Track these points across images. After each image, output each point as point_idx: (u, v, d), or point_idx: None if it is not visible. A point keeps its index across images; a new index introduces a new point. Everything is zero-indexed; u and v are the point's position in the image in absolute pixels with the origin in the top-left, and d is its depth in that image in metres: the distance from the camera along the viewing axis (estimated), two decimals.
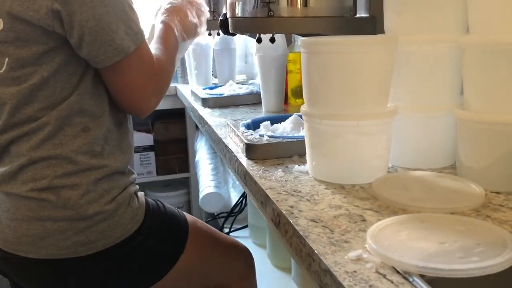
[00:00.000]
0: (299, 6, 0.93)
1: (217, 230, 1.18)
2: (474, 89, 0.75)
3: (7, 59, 0.87)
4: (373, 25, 1.01)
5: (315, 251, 0.58)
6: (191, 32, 1.08)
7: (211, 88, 1.79)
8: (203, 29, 1.12)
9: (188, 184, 2.38)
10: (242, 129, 1.08)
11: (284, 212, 0.70)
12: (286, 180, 0.83)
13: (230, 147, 1.07)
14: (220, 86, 1.81)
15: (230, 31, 1.04)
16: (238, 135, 1.04)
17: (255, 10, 0.95)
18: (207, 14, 1.14)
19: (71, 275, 0.96)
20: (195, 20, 1.08)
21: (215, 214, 1.91)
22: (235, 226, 1.64)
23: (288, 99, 1.54)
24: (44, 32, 0.86)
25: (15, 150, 0.90)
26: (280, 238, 0.72)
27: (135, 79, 0.93)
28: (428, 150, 0.86)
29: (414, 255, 0.53)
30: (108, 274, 0.98)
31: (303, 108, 0.82)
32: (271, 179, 0.85)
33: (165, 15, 1.06)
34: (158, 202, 1.10)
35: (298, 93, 1.56)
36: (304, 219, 0.67)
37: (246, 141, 0.97)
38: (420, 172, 0.82)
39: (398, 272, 0.52)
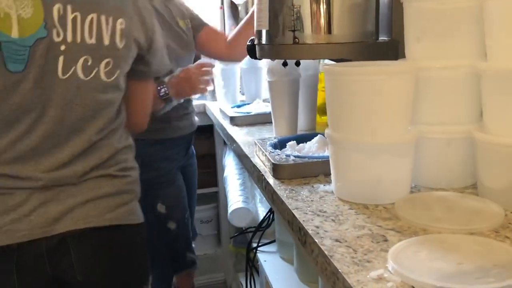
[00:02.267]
0: (323, 33, 0.97)
1: None
2: (492, 113, 0.78)
3: (118, 71, 1.04)
4: (395, 48, 1.05)
5: (339, 270, 0.62)
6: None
7: (238, 106, 1.85)
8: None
9: (217, 198, 2.44)
10: (269, 148, 1.13)
11: (310, 232, 0.74)
12: (312, 200, 0.87)
13: (258, 166, 1.12)
14: (247, 104, 1.87)
15: (258, 57, 1.09)
16: (265, 155, 1.09)
17: (281, 38, 1.00)
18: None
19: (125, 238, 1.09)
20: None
21: (243, 228, 1.96)
22: (263, 240, 1.68)
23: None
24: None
25: (107, 143, 1.05)
26: (306, 256, 0.76)
27: None
28: (449, 170, 0.88)
29: (432, 275, 0.56)
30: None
31: (328, 131, 0.86)
32: (298, 199, 0.89)
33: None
34: None
35: (324, 111, 1.60)
36: (329, 239, 0.71)
37: (273, 161, 1.02)
38: (442, 192, 0.85)
39: None
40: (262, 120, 1.64)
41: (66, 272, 1.02)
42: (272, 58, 1.08)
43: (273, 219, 1.73)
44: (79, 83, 0.98)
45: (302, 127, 1.48)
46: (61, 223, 0.99)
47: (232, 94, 2.01)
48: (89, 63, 0.99)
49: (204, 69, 1.44)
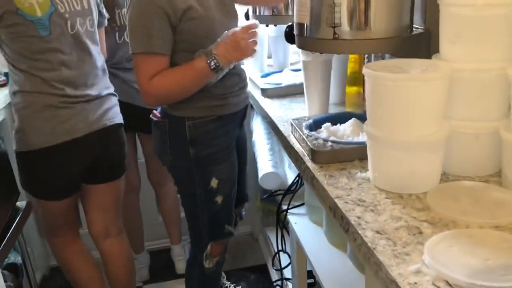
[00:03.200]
0: (361, 29, 1.04)
1: None
2: None
3: (95, 23, 1.70)
4: (428, 39, 1.11)
5: (383, 263, 0.73)
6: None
7: (267, 75, 1.92)
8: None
9: None
10: (306, 132, 1.22)
11: (353, 222, 0.85)
12: (350, 188, 0.98)
13: (295, 147, 1.22)
14: (276, 72, 1.94)
15: (297, 46, 1.17)
16: (303, 138, 1.18)
17: (321, 32, 1.06)
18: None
19: None
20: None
21: (273, 191, 2.08)
22: (293, 203, 1.81)
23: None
24: None
25: (104, 73, 1.73)
26: (349, 242, 0.88)
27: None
28: (476, 161, 0.98)
29: (463, 270, 0.68)
30: None
31: (367, 128, 0.95)
32: (337, 186, 0.99)
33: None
34: None
35: (353, 81, 1.67)
36: (370, 230, 0.82)
37: (312, 147, 1.12)
38: (469, 182, 0.95)
39: (450, 285, 0.67)
40: (292, 91, 1.72)
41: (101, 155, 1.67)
42: (313, 51, 1.15)
43: (302, 184, 1.85)
44: (80, 34, 1.56)
45: (332, 100, 1.56)
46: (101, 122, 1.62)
47: (260, 61, 2.07)
48: (81, 21, 1.57)
49: (251, 31, 1.37)
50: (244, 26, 1.37)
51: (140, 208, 2.31)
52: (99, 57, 1.67)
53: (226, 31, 1.37)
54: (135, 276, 2.01)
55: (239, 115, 1.55)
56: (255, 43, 1.38)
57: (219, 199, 1.55)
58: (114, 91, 1.75)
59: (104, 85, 1.68)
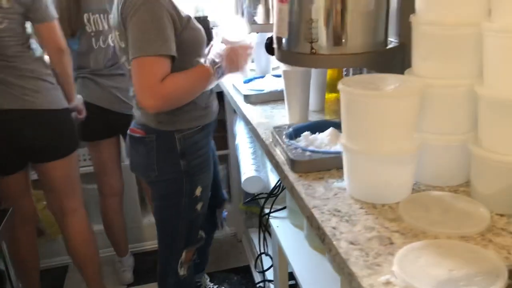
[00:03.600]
0: (337, 45, 1.07)
1: None
2: (486, 130, 0.91)
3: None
4: (402, 52, 1.15)
5: (355, 273, 0.77)
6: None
7: (250, 80, 1.95)
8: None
9: (227, 160, 2.59)
10: (286, 141, 1.25)
11: (328, 233, 0.89)
12: (327, 198, 1.02)
13: (276, 157, 1.25)
14: (259, 78, 1.97)
15: (276, 59, 1.20)
16: (283, 148, 1.22)
17: (299, 47, 1.10)
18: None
19: None
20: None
21: (255, 194, 2.12)
22: (275, 206, 1.84)
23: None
24: None
25: None
26: (326, 251, 0.92)
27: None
28: (446, 171, 1.02)
29: (429, 281, 0.72)
30: None
31: (342, 140, 0.99)
32: (315, 196, 1.03)
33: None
34: None
35: (331, 87, 1.71)
36: (344, 241, 0.86)
37: (291, 157, 1.15)
38: (439, 192, 0.99)
39: None
40: (274, 97, 1.75)
41: None
42: (291, 64, 1.19)
43: (284, 187, 1.89)
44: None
45: (312, 107, 1.60)
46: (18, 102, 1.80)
47: None
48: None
49: (249, 51, 1.50)
50: (242, 46, 1.48)
51: (123, 212, 2.33)
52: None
53: (223, 44, 1.47)
54: (97, 251, 2.12)
55: (215, 122, 1.63)
56: (247, 62, 1.50)
57: (199, 206, 1.61)
58: (94, 98, 1.81)
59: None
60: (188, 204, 1.58)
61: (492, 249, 0.81)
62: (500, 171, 0.89)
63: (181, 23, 1.37)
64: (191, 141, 1.52)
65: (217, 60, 1.42)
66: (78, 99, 1.96)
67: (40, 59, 1.84)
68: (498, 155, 0.88)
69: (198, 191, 1.57)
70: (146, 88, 1.32)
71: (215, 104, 1.63)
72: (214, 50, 1.46)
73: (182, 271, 1.70)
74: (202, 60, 1.43)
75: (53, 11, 1.79)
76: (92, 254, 2.08)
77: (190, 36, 1.41)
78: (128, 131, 1.57)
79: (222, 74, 1.45)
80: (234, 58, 1.44)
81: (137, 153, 1.55)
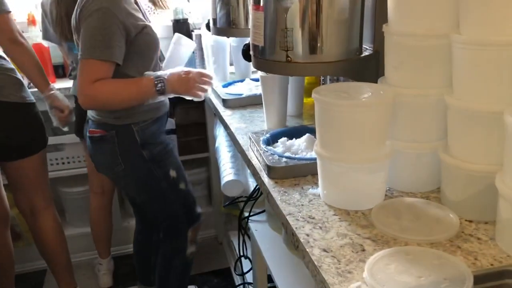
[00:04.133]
0: (312, 53, 1.09)
1: None
2: (455, 138, 0.94)
3: None
4: (376, 59, 1.17)
5: (327, 281, 0.78)
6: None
7: (229, 84, 1.96)
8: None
9: (207, 163, 2.60)
10: (263, 147, 1.27)
11: (302, 240, 0.90)
12: (302, 205, 1.03)
13: (253, 162, 1.27)
14: (238, 81, 1.98)
15: (253, 67, 1.21)
16: (260, 154, 1.23)
17: (275, 55, 1.11)
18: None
19: None
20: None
21: (235, 198, 2.13)
22: (254, 210, 1.86)
23: None
24: None
25: None
26: (299, 257, 0.93)
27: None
28: (418, 178, 1.05)
29: None
30: None
31: (316, 148, 1.01)
32: (290, 202, 1.05)
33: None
34: None
35: (309, 92, 1.72)
36: (317, 248, 0.87)
37: (268, 163, 1.17)
38: (411, 199, 1.02)
39: None
40: (253, 102, 1.77)
41: None
42: (267, 72, 1.20)
43: None
44: None
45: (290, 111, 1.61)
46: None
47: (223, 69, 2.11)
48: None
49: (204, 79, 1.60)
50: (201, 72, 1.61)
51: (112, 212, 2.32)
52: None
53: (182, 67, 1.61)
54: (67, 250, 2.12)
55: (166, 114, 1.75)
56: (203, 89, 1.61)
57: (182, 185, 1.75)
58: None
59: None
60: (170, 186, 1.70)
61: (460, 255, 0.83)
62: (469, 179, 0.91)
63: (136, 30, 1.49)
64: (148, 132, 1.63)
65: (165, 76, 1.53)
66: (61, 99, 1.96)
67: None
68: (467, 163, 0.90)
69: (172, 173, 1.70)
70: (79, 86, 1.47)
71: (166, 99, 1.74)
72: (172, 68, 1.59)
73: (190, 250, 1.85)
74: (151, 73, 1.55)
75: (6, 6, 1.79)
76: (61, 250, 2.08)
77: (143, 41, 1.53)
78: (88, 134, 1.66)
79: (164, 91, 1.53)
80: (187, 80, 1.56)
81: (102, 152, 1.66)
